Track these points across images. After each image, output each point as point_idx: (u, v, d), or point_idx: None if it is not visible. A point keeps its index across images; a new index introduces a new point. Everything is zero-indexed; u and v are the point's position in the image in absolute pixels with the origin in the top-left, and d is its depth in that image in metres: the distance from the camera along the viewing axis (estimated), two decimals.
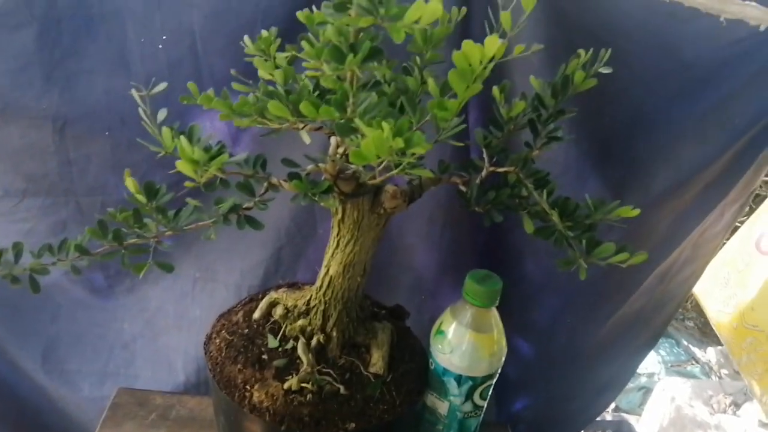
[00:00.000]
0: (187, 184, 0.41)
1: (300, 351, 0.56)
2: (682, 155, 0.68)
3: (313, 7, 0.40)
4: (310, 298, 0.59)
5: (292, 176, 0.46)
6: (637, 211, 0.46)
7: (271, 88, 0.42)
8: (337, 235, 0.54)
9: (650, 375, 1.65)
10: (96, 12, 0.62)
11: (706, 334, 1.81)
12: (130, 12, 0.62)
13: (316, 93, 0.46)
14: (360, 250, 0.54)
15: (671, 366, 1.70)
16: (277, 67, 0.46)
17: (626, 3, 0.61)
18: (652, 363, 1.69)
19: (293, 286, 0.65)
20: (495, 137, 0.54)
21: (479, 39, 0.34)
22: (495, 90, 0.49)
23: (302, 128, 0.44)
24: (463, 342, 0.58)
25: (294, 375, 0.54)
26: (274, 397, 0.53)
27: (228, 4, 0.61)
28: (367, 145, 0.32)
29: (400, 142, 0.33)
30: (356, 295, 0.58)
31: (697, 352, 1.74)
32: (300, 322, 0.58)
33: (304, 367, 0.55)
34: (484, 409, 0.63)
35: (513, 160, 0.52)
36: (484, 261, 0.80)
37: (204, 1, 0.62)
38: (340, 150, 0.48)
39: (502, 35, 0.41)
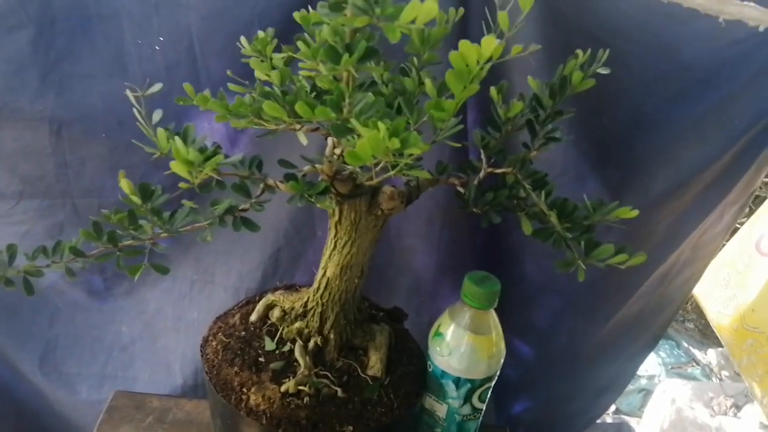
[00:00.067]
0: (182, 185, 0.41)
1: (297, 353, 0.55)
2: (682, 156, 0.68)
3: (309, 8, 0.40)
4: (307, 301, 0.59)
5: (288, 177, 0.45)
6: (635, 212, 0.46)
7: (267, 89, 0.42)
8: (334, 236, 0.54)
9: (650, 377, 1.64)
10: (92, 13, 0.62)
11: (706, 335, 1.80)
12: (127, 14, 0.62)
13: (313, 94, 0.46)
14: (357, 252, 0.54)
15: (671, 368, 1.69)
16: (273, 68, 0.46)
17: (625, 3, 0.61)
18: (652, 365, 1.69)
19: (290, 288, 0.64)
20: (493, 138, 0.53)
21: (477, 40, 0.34)
22: (493, 90, 0.49)
23: (299, 129, 0.43)
24: (461, 344, 0.58)
25: (291, 378, 0.54)
26: (271, 400, 0.53)
27: (225, 5, 0.61)
28: (362, 145, 0.32)
29: (396, 143, 0.32)
30: (354, 297, 0.58)
31: (697, 353, 1.73)
32: (297, 324, 0.58)
33: (302, 369, 0.54)
34: (483, 412, 0.63)
35: (511, 161, 0.52)
36: (482, 262, 0.80)
37: (201, 2, 0.61)
38: (337, 151, 0.47)
39: (500, 35, 0.41)
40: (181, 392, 0.83)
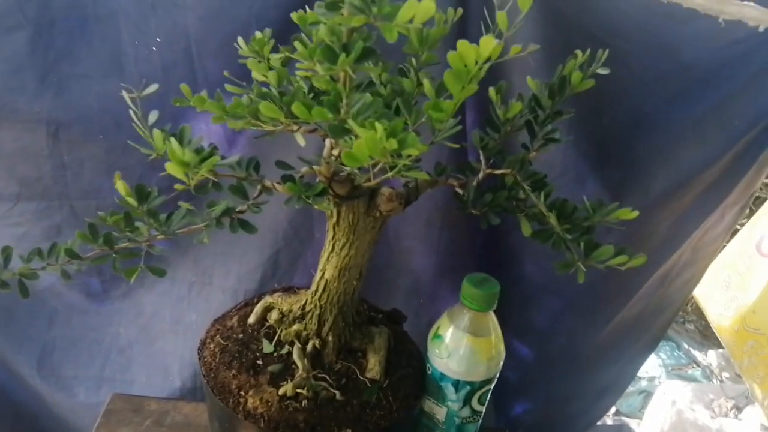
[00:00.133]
0: (177, 186, 0.40)
1: (295, 356, 0.55)
2: (682, 157, 0.68)
3: (307, 8, 0.39)
4: (305, 303, 0.58)
5: (285, 179, 0.45)
6: (635, 213, 0.46)
7: (264, 89, 0.42)
8: (333, 238, 0.53)
9: (651, 378, 1.64)
10: (90, 14, 0.62)
11: (706, 337, 1.80)
12: (124, 14, 0.62)
13: (311, 95, 0.45)
14: (356, 254, 0.53)
15: (672, 369, 1.69)
16: (270, 68, 0.45)
17: (624, 3, 0.61)
18: (652, 366, 1.69)
19: (289, 290, 0.64)
20: (492, 139, 0.53)
21: (476, 40, 0.33)
22: (491, 91, 0.49)
23: (296, 130, 0.43)
24: (460, 346, 0.58)
25: (289, 380, 0.54)
26: (269, 403, 0.53)
27: (222, 6, 0.61)
28: (359, 146, 0.32)
29: (393, 143, 0.32)
30: (352, 299, 0.57)
31: (697, 355, 1.73)
32: (295, 326, 0.57)
33: (300, 372, 0.54)
34: (482, 415, 0.62)
35: (510, 162, 0.51)
36: (481, 264, 0.80)
37: (198, 3, 0.61)
38: (335, 152, 0.47)
39: (498, 35, 0.41)
40: (180, 395, 0.83)
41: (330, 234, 0.54)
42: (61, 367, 0.83)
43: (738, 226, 0.87)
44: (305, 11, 0.40)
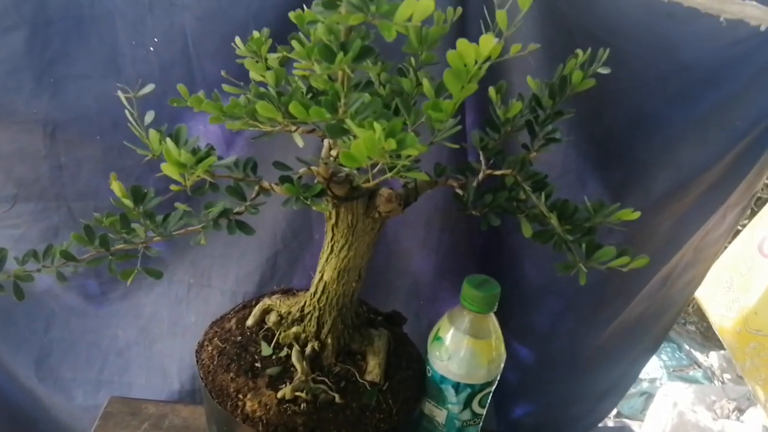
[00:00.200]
0: (173, 187, 0.40)
1: (294, 359, 0.55)
2: (683, 157, 0.67)
3: (304, 7, 0.39)
4: (304, 305, 0.58)
5: (283, 179, 0.45)
6: (637, 214, 0.45)
7: (262, 89, 0.41)
8: (332, 239, 0.53)
9: (652, 380, 1.64)
10: (86, 14, 0.61)
11: (708, 338, 1.79)
12: (121, 14, 0.61)
13: (309, 95, 0.45)
14: (355, 255, 0.53)
15: (673, 371, 1.69)
16: (268, 68, 0.45)
17: (625, 3, 0.61)
18: (653, 368, 1.68)
19: (287, 292, 0.64)
20: (492, 139, 0.53)
21: (475, 40, 0.33)
22: (491, 91, 0.48)
23: (294, 131, 0.43)
24: (461, 348, 0.57)
25: (288, 383, 0.53)
26: (268, 407, 0.52)
27: (219, 6, 0.61)
28: (357, 146, 0.31)
29: (392, 144, 0.32)
30: (351, 301, 0.57)
31: (699, 356, 1.73)
32: (294, 329, 0.57)
33: (299, 375, 0.53)
34: (483, 417, 0.62)
35: (510, 162, 0.51)
36: (482, 265, 0.79)
37: (195, 3, 0.61)
38: (333, 153, 0.47)
39: (498, 35, 0.41)
40: (179, 397, 0.82)
41: (329, 235, 0.53)
42: (59, 370, 0.83)
43: (739, 227, 0.86)
44: (303, 11, 0.39)
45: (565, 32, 0.61)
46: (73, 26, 0.62)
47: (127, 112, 0.44)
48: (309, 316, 0.57)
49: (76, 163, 0.68)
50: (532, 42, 0.45)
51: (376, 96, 0.40)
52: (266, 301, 0.61)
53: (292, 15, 0.40)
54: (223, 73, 0.48)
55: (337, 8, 0.32)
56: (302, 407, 0.52)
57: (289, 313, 0.59)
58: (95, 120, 0.65)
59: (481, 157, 0.52)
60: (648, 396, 1.55)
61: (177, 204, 0.45)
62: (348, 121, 0.34)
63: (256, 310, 0.61)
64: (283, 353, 0.56)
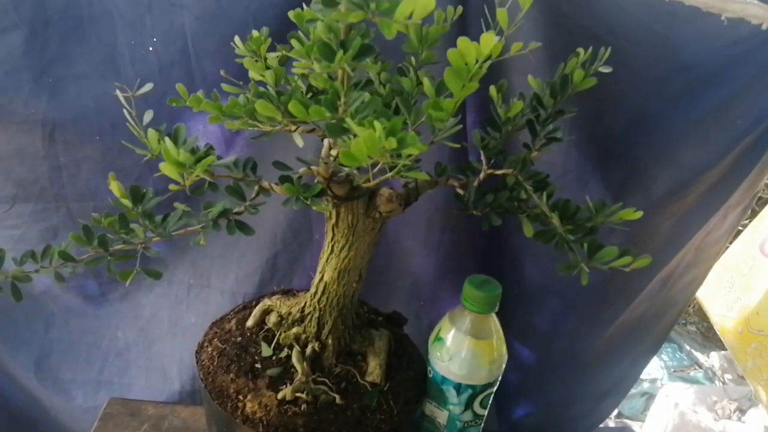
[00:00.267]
0: (172, 187, 0.40)
1: (294, 360, 0.55)
2: (684, 157, 0.67)
3: (304, 6, 0.39)
4: (304, 305, 0.58)
5: (283, 179, 0.44)
6: (639, 214, 0.45)
7: (261, 89, 0.41)
8: (332, 239, 0.53)
9: (653, 380, 1.63)
10: (85, 14, 0.61)
11: (708, 338, 1.79)
12: (120, 14, 0.61)
13: (309, 95, 0.45)
14: (355, 255, 0.53)
15: (674, 371, 1.68)
16: (267, 68, 0.45)
17: (625, 2, 0.60)
18: (654, 368, 1.68)
19: (288, 292, 0.64)
20: (493, 138, 0.52)
21: (476, 39, 0.33)
22: (492, 90, 0.48)
23: (294, 130, 0.43)
24: (462, 349, 0.57)
25: (288, 384, 0.53)
26: (268, 408, 0.52)
27: (219, 5, 0.61)
28: (358, 145, 0.31)
29: (393, 143, 0.31)
30: (352, 302, 0.57)
31: (699, 356, 1.72)
32: (294, 329, 0.57)
33: (299, 376, 0.53)
34: (484, 418, 0.62)
35: (511, 161, 0.51)
36: (483, 265, 0.79)
37: (194, 2, 0.61)
38: (333, 152, 0.47)
39: (499, 33, 0.40)
40: (179, 398, 0.82)
41: (329, 235, 0.53)
42: (59, 371, 0.83)
43: (740, 228, 0.86)
44: (302, 10, 0.39)
45: (565, 31, 0.61)
46: (72, 26, 0.61)
47: (125, 111, 0.44)
48: (309, 317, 0.57)
49: (75, 163, 0.68)
50: (532, 41, 0.45)
51: (376, 95, 0.40)
52: (266, 302, 0.61)
53: (291, 14, 0.40)
54: (222, 72, 0.47)
55: (336, 6, 0.31)
56: (303, 408, 0.52)
57: (290, 313, 0.58)
58: (94, 120, 0.65)
59: (482, 157, 0.52)
60: (649, 396, 1.55)
61: (176, 204, 0.45)
62: (348, 120, 0.34)
63: (256, 311, 0.60)
64: (284, 354, 0.56)
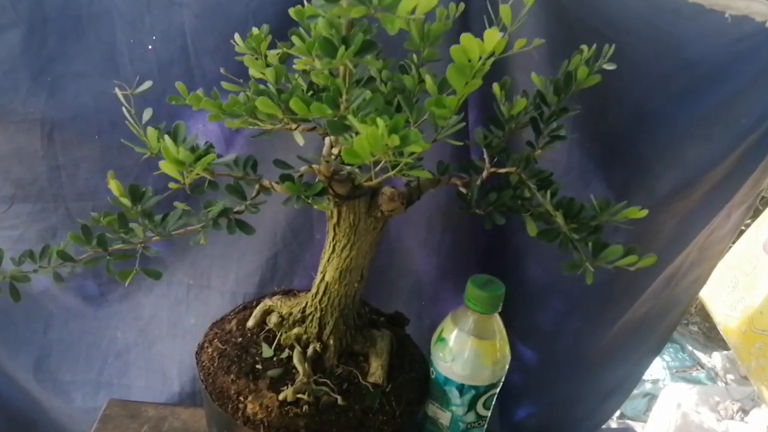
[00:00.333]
0: (172, 185, 0.39)
1: (295, 360, 0.54)
2: (688, 155, 0.66)
3: (305, 2, 0.38)
4: (305, 306, 0.57)
5: (284, 178, 0.44)
6: (644, 212, 0.45)
7: (262, 87, 0.41)
8: (333, 239, 0.52)
9: (655, 381, 1.63)
10: (84, 13, 0.61)
11: (710, 338, 1.79)
12: (119, 12, 0.61)
13: (310, 93, 0.44)
14: (357, 255, 0.52)
15: (676, 372, 1.68)
16: (268, 65, 0.44)
17: None
18: (656, 368, 1.67)
19: (288, 293, 0.63)
20: (496, 137, 0.52)
21: (478, 36, 0.32)
22: (495, 87, 0.47)
23: (295, 128, 0.42)
24: (464, 349, 0.56)
25: (289, 385, 0.53)
26: (269, 409, 0.51)
27: (218, 3, 0.60)
28: (360, 142, 0.31)
29: (395, 140, 0.31)
30: (353, 302, 0.56)
31: (702, 357, 1.72)
32: (295, 330, 0.56)
33: (300, 377, 0.53)
34: (487, 419, 0.61)
35: (515, 160, 0.50)
36: (485, 265, 0.78)
37: (194, 0, 0.60)
38: (335, 151, 0.46)
39: (502, 30, 0.40)
40: (179, 399, 0.82)
41: (330, 235, 0.53)
42: (58, 372, 0.82)
43: (743, 227, 0.86)
44: (303, 6, 0.39)
45: (567, 29, 0.60)
46: (71, 24, 0.61)
47: (124, 110, 0.43)
48: (310, 317, 0.56)
49: (74, 162, 0.68)
50: (534, 37, 0.44)
51: (378, 92, 0.40)
52: (267, 302, 0.61)
53: (292, 11, 0.40)
54: (222, 70, 0.47)
55: (338, 2, 0.31)
56: (304, 409, 0.51)
57: (290, 314, 0.58)
58: (93, 119, 0.65)
59: (485, 155, 0.52)
60: (651, 397, 1.54)
61: (176, 203, 0.44)
62: (350, 117, 0.33)
63: (257, 311, 0.60)
64: (285, 355, 0.55)
